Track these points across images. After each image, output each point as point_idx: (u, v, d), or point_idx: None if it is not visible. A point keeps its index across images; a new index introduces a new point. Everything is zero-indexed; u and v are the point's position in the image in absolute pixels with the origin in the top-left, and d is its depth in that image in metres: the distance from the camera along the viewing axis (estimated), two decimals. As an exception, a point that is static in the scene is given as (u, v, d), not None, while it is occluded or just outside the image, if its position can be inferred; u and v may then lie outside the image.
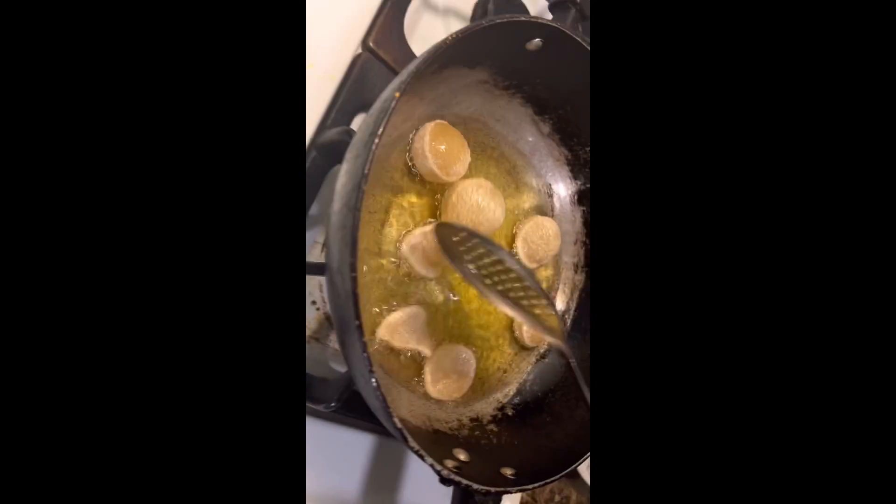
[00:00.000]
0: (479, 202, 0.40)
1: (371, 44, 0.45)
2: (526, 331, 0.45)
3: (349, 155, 0.29)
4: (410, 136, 0.39)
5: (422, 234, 0.39)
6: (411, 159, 0.39)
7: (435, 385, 0.39)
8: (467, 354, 0.41)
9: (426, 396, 0.41)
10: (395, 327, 0.38)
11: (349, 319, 0.26)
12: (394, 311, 0.38)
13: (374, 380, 0.26)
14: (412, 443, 0.28)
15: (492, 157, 0.45)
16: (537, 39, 0.36)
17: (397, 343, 0.38)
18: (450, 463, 0.33)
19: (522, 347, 0.46)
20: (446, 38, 0.29)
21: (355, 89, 0.44)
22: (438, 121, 0.39)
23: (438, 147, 0.38)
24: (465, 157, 0.40)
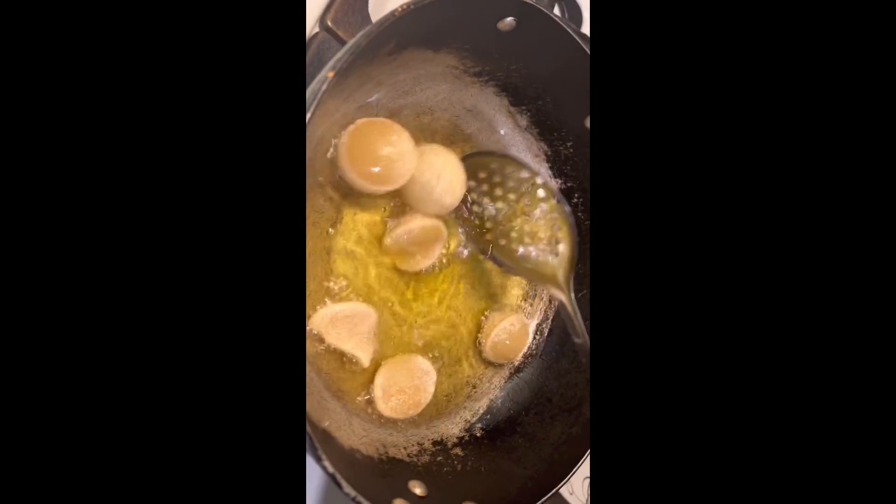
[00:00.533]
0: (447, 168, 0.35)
1: (329, 23, 0.40)
2: (489, 347, 0.40)
3: (279, 147, 0.25)
4: (335, 140, 0.33)
5: (405, 230, 0.35)
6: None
7: (387, 401, 0.35)
8: (426, 366, 0.37)
9: (382, 418, 0.36)
10: (334, 322, 0.32)
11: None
12: (341, 302, 0.34)
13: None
14: (347, 489, 0.24)
15: (463, 151, 0.41)
16: (510, 18, 0.32)
17: (331, 340, 0.32)
18: (399, 503, 0.29)
19: (489, 363, 0.42)
20: (395, 10, 0.25)
21: (310, 73, 0.40)
22: (354, 124, 0.32)
23: (363, 157, 0.31)
24: (407, 156, 0.33)
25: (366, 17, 0.43)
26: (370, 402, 0.35)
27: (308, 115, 0.21)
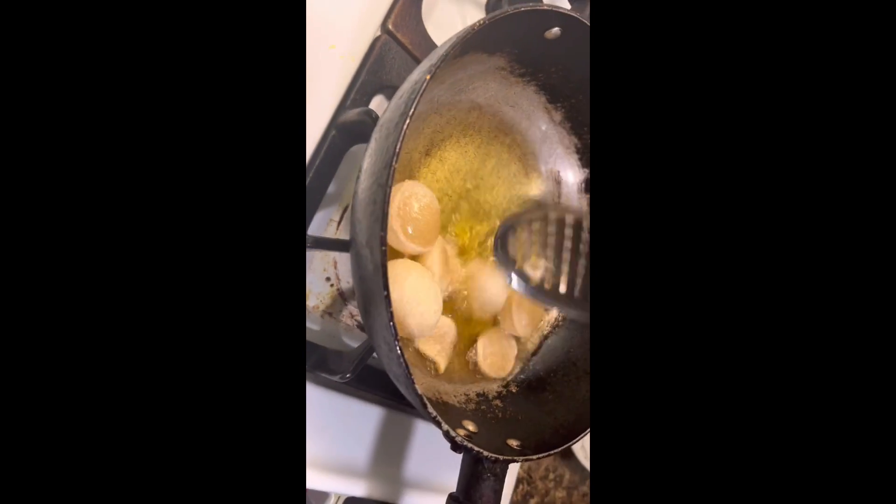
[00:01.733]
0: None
1: (390, 26, 0.46)
2: (517, 322, 0.46)
3: (377, 135, 0.30)
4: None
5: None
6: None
7: (485, 360, 0.44)
8: (514, 340, 0.46)
9: (434, 374, 0.43)
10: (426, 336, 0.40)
11: (377, 290, 0.27)
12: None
13: (398, 347, 0.28)
14: (430, 409, 0.30)
15: (504, 143, 0.46)
16: (556, 28, 0.38)
17: (421, 346, 0.40)
18: (461, 432, 0.35)
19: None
20: (474, 24, 0.30)
21: (374, 70, 0.45)
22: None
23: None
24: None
25: (419, 21, 0.48)
26: (472, 359, 0.44)
27: (412, 110, 0.27)
